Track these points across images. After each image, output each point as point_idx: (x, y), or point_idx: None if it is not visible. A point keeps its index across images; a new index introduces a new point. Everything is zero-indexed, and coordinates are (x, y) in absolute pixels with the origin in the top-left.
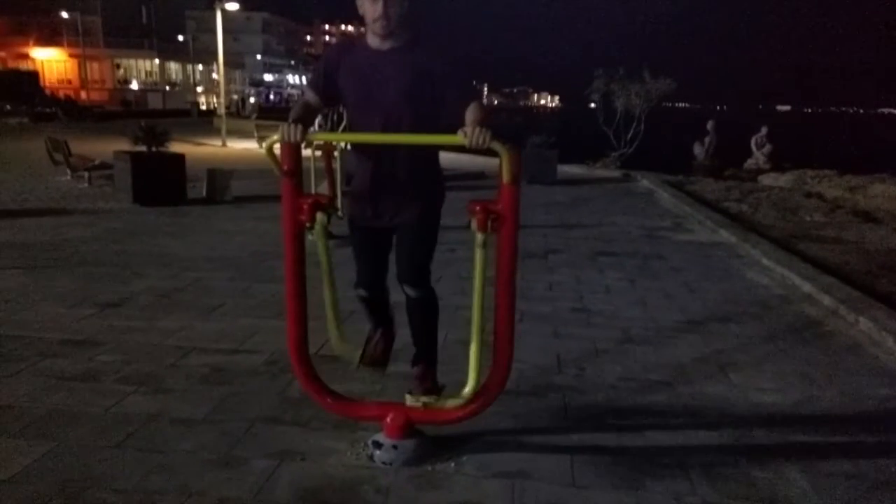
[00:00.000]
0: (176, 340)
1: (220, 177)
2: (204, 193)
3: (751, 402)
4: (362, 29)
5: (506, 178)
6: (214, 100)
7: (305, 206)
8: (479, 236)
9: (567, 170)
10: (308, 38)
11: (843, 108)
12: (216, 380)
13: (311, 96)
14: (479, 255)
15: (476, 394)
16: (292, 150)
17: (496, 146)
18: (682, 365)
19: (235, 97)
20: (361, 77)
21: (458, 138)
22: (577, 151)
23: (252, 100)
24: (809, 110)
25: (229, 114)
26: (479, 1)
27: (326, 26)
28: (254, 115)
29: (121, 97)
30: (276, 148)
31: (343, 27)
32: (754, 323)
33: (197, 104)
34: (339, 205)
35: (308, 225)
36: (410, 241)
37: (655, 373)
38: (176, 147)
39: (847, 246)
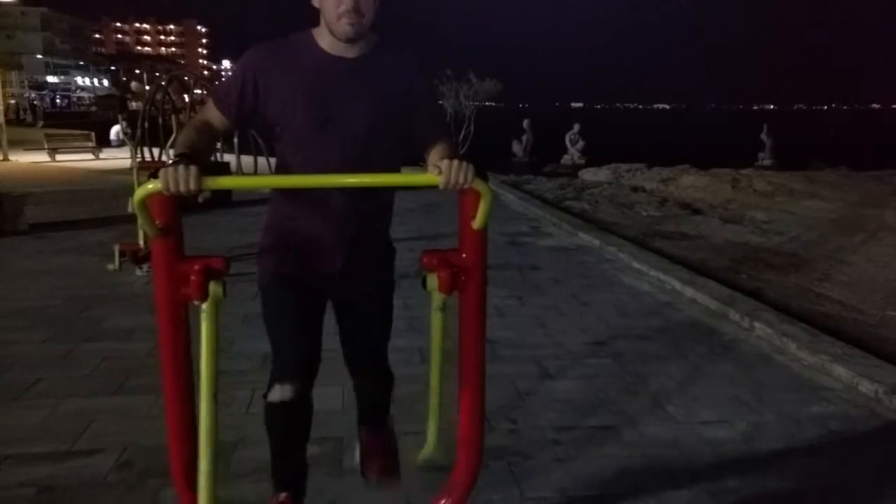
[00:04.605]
0: None
1: (9, 202)
2: None
3: (704, 441)
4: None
5: (479, 222)
6: None
7: (192, 276)
8: (439, 298)
9: None
10: (97, 36)
11: (626, 105)
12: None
13: (215, 116)
14: (437, 320)
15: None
16: (171, 199)
17: (479, 185)
18: (615, 402)
19: (14, 102)
20: (317, 92)
21: (432, 177)
22: (410, 156)
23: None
24: (599, 107)
25: (9, 122)
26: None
27: (118, 24)
28: (40, 123)
29: None
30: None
31: (137, 25)
32: (659, 338)
33: None
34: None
35: (197, 302)
36: (375, 316)
37: (592, 416)
38: None
39: (694, 241)
